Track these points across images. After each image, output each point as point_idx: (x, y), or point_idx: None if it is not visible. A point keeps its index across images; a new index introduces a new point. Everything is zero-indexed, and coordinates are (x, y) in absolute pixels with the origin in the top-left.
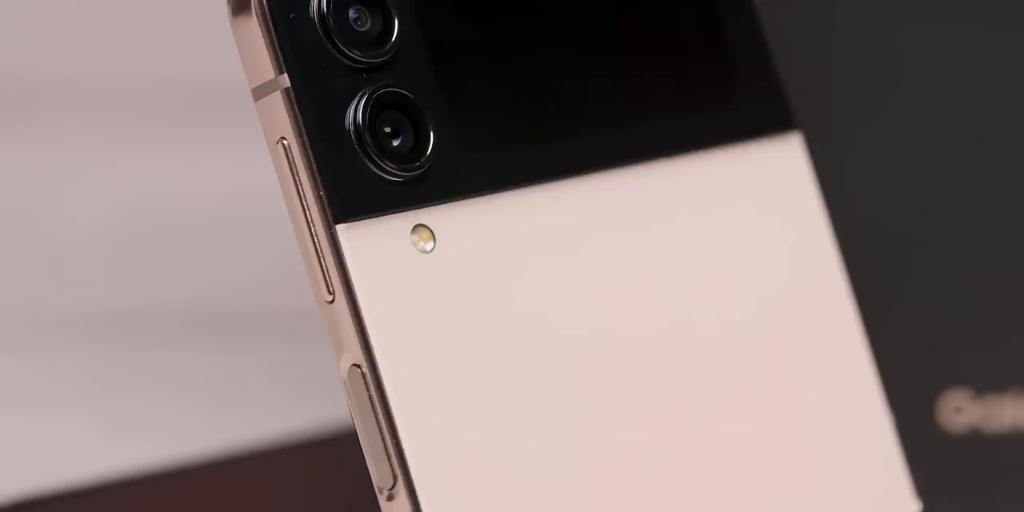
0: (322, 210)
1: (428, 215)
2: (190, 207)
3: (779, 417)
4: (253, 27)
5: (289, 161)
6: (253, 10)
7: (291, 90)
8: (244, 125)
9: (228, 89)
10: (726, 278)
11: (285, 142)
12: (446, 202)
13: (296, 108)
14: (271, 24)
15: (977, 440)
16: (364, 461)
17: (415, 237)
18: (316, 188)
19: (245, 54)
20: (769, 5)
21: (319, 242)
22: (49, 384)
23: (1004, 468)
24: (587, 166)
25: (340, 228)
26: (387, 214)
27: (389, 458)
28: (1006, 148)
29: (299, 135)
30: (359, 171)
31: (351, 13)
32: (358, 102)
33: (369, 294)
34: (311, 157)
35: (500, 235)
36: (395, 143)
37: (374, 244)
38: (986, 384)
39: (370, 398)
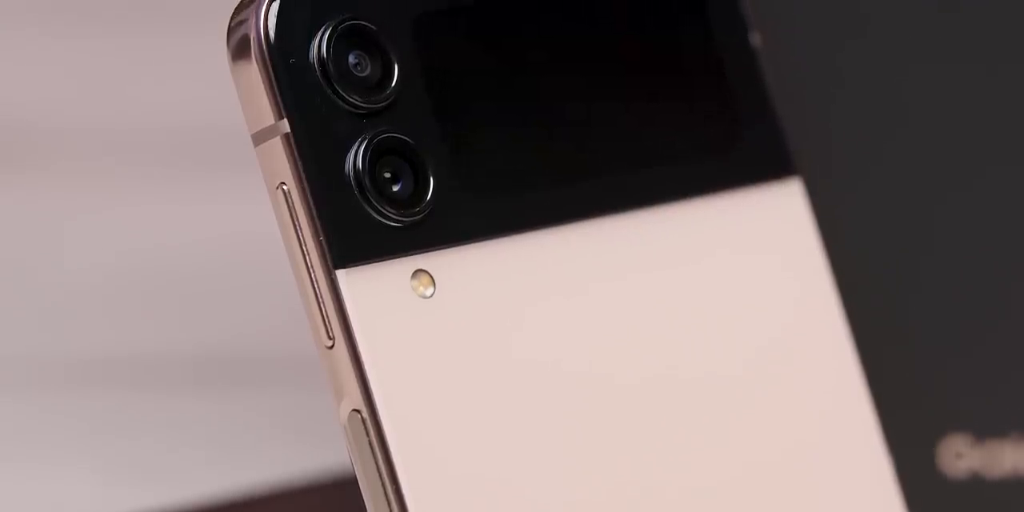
0: (322, 255)
1: (428, 260)
2: (189, 253)
3: (779, 462)
4: (253, 72)
5: (289, 206)
6: (253, 55)
7: (291, 135)
8: (244, 171)
9: (227, 135)
10: (726, 324)
11: (285, 187)
12: (446, 247)
13: (296, 153)
14: (271, 69)
15: (977, 485)
16: (364, 506)
17: (415, 282)
18: (316, 233)
19: (245, 99)
20: (770, 49)
21: (319, 287)
22: (49, 430)
23: None
24: (587, 211)
25: (340, 273)
26: (387, 259)
27: (389, 503)
28: (1006, 194)
29: (299, 180)
30: (359, 216)
31: (351, 58)
32: (358, 147)
33: (369, 339)
34: (311, 202)
35: (500, 280)
36: (395, 188)
37: (374, 289)
38: (986, 429)
39: (370, 443)
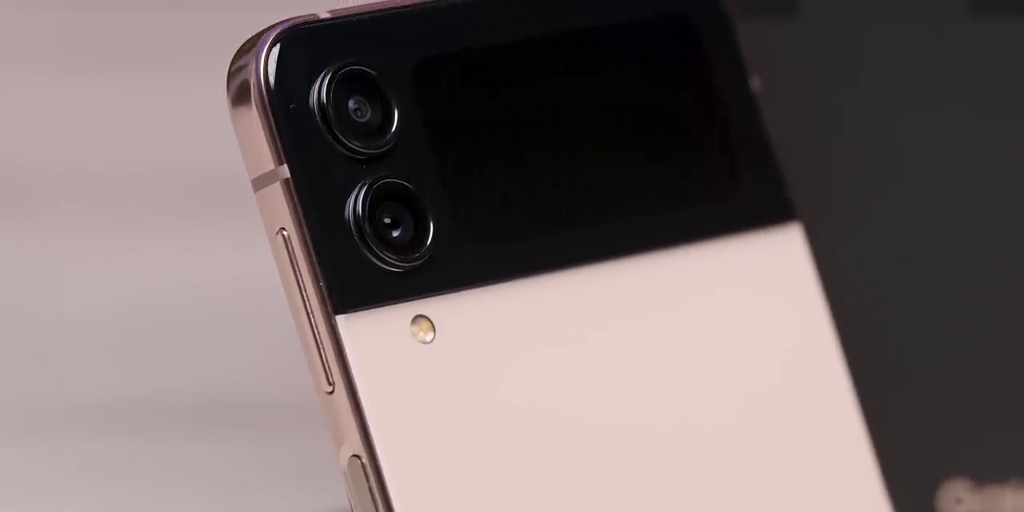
0: (322, 301)
1: (428, 306)
2: (189, 298)
3: (779, 507)
4: (253, 118)
5: (289, 252)
6: (253, 101)
7: (291, 181)
8: (243, 216)
9: (227, 180)
10: (726, 369)
11: (285, 233)
12: (446, 293)
13: (296, 199)
14: (271, 115)
15: None
16: None
17: (415, 328)
18: (316, 279)
19: (245, 145)
20: (770, 94)
21: (319, 333)
22: (47, 475)
23: None
24: (588, 256)
25: (340, 319)
26: (387, 305)
27: None
28: (1005, 238)
29: (299, 226)
30: (359, 262)
31: (351, 104)
32: (358, 193)
33: (369, 385)
34: (311, 248)
35: (500, 325)
36: (395, 234)
37: (374, 335)
38: (986, 474)
39: (370, 489)
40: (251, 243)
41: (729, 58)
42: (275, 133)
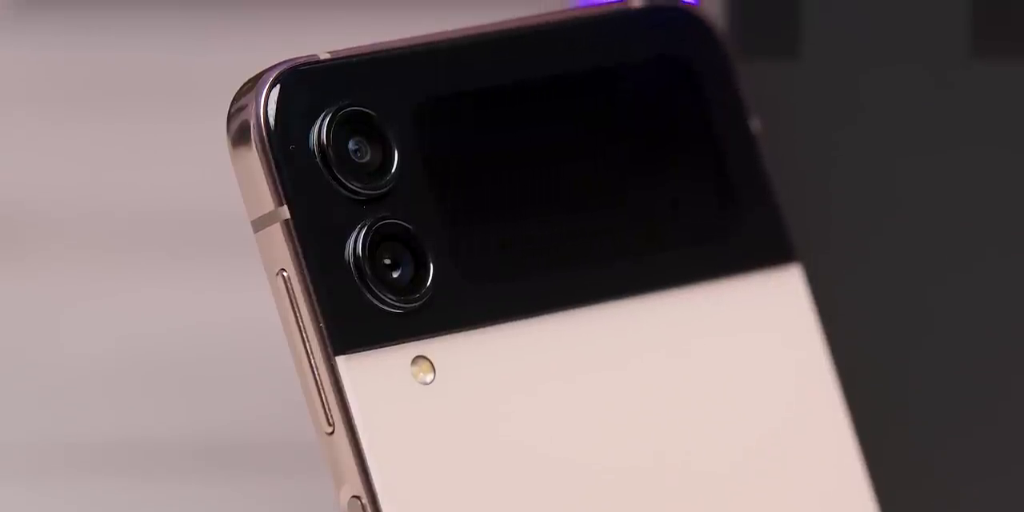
0: (322, 342)
1: (428, 347)
2: (189, 338)
3: None
4: (253, 159)
5: (289, 293)
6: (253, 142)
7: (290, 222)
8: (243, 257)
9: (227, 221)
10: (727, 411)
11: (285, 274)
12: (446, 334)
13: (295, 240)
14: (271, 156)
15: None
16: None
17: (415, 369)
18: (316, 320)
19: (244, 185)
20: (770, 135)
21: (319, 374)
22: None
23: None
24: (588, 297)
25: (340, 360)
26: (387, 346)
27: None
28: (1005, 281)
29: (299, 267)
30: (359, 303)
31: (351, 145)
32: (358, 234)
33: (369, 426)
34: (311, 289)
35: (501, 367)
36: (395, 275)
37: (374, 376)
38: None
39: None
40: (251, 284)
41: (729, 99)
42: (275, 174)
